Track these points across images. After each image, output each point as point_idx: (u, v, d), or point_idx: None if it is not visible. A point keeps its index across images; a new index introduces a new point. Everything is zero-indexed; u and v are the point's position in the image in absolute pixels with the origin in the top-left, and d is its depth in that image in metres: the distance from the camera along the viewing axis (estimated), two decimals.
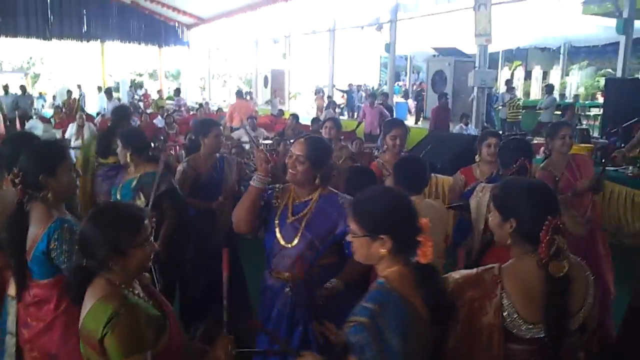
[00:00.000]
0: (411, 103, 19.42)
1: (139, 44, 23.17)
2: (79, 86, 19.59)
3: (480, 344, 1.85)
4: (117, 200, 3.53)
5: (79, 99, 16.93)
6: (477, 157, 3.97)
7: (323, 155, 2.61)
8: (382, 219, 1.75)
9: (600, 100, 16.25)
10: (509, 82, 15.54)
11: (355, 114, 16.80)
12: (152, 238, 1.92)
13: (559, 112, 12.57)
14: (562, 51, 18.89)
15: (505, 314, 1.83)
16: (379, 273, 1.81)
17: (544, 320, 1.80)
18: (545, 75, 20.64)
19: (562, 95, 18.50)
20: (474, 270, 1.97)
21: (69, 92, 16.72)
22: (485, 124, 11.67)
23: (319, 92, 18.63)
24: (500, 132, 12.22)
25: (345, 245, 2.37)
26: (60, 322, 2.35)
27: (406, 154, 3.90)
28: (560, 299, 1.79)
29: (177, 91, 19.87)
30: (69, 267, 2.19)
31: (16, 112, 15.13)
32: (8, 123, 14.50)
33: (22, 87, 16.62)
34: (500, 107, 14.26)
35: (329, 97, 16.48)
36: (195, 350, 2.01)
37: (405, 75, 22.16)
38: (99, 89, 17.06)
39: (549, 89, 13.71)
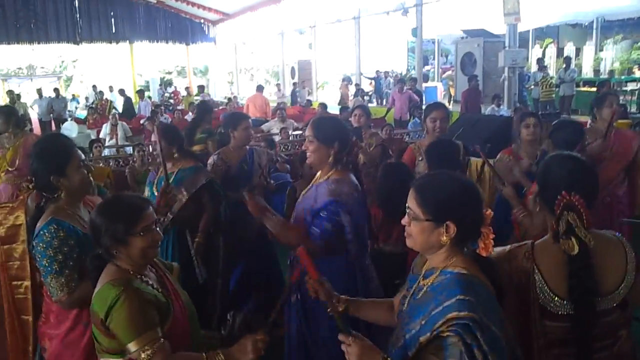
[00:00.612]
0: (440, 87, 19.17)
1: (167, 42, 23.48)
2: (110, 87, 19.93)
3: (517, 320, 1.84)
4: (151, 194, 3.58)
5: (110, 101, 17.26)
6: (517, 139, 3.95)
7: (330, 133, 2.60)
8: (450, 204, 1.64)
9: (637, 74, 15.75)
10: (540, 61, 15.22)
11: (384, 100, 16.68)
12: (157, 227, 1.99)
13: (593, 89, 12.26)
14: (594, 26, 18.33)
15: (537, 289, 1.83)
16: (435, 264, 1.71)
17: (570, 297, 1.80)
18: (578, 52, 20.08)
19: (597, 72, 18.00)
20: (507, 247, 1.96)
21: (101, 93, 17.06)
22: (517, 104, 11.45)
23: (344, 80, 18.55)
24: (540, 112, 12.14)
25: (308, 224, 2.52)
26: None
27: (439, 137, 3.82)
28: (581, 275, 1.77)
29: (201, 88, 20.01)
30: (52, 272, 2.18)
31: (51, 115, 15.51)
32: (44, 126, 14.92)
33: (56, 91, 17.03)
34: (532, 87, 14.00)
35: (356, 84, 16.40)
36: (207, 339, 2.14)
37: (434, 59, 21.85)
38: (121, 91, 17.32)
39: (566, 61, 13.55)
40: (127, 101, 16.52)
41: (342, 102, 15.61)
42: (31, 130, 6.85)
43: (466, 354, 1.47)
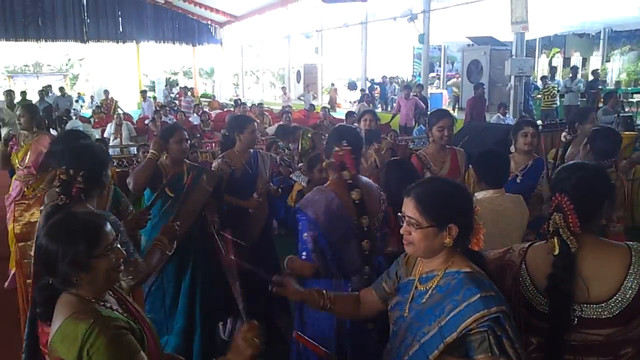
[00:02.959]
0: (445, 94, 19.16)
1: (173, 43, 23.56)
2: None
3: None
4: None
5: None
6: (512, 148, 3.86)
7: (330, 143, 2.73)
8: (450, 207, 1.74)
9: None
10: (553, 71, 15.28)
11: (389, 106, 16.67)
12: (117, 245, 1.73)
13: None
14: (602, 36, 18.33)
15: (521, 282, 1.88)
16: (433, 267, 1.78)
17: (547, 297, 1.80)
18: (584, 61, 20.05)
19: (603, 82, 17.95)
20: (509, 247, 2.03)
21: (106, 92, 17.07)
22: (523, 113, 11.43)
23: (333, 85, 18.51)
24: (540, 122, 12.12)
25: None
26: None
27: (489, 148, 3.64)
28: (558, 276, 1.77)
29: (185, 89, 20.11)
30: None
31: (56, 113, 15.53)
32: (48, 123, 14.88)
33: (61, 89, 17.06)
34: (539, 96, 13.98)
35: (362, 89, 16.38)
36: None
37: (440, 65, 21.84)
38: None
39: (573, 71, 13.55)
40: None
41: (331, 106, 15.73)
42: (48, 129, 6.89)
43: (496, 346, 1.58)
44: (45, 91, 16.69)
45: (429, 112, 12.39)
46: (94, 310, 1.62)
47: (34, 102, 13.72)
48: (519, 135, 3.78)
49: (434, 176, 2.07)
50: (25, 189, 4.94)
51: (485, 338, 1.59)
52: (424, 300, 1.75)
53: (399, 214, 1.83)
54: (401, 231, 1.80)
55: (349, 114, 9.58)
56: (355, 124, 5.34)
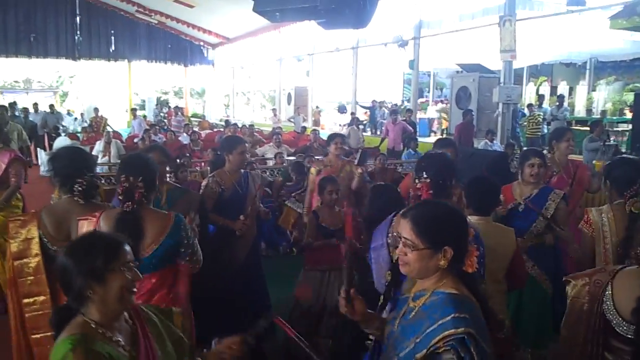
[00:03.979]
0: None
1: (165, 63, 23.66)
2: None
3: (582, 328, 2.11)
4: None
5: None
6: (519, 177, 3.87)
7: None
8: (446, 230, 1.78)
9: (629, 115, 15.95)
10: (542, 99, 15.46)
11: (378, 130, 16.78)
12: (135, 267, 1.77)
13: (585, 128, 12.41)
14: (588, 66, 18.65)
15: (604, 302, 2.02)
16: (426, 286, 1.81)
17: (633, 319, 1.92)
18: (571, 90, 20.36)
19: (589, 111, 18.24)
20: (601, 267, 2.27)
21: (96, 110, 17.05)
22: (510, 140, 11.55)
23: (317, 107, 18.53)
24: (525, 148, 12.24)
25: None
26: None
27: (479, 175, 3.71)
28: None
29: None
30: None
31: (45, 130, 15.47)
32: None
33: (51, 106, 17.02)
34: (525, 124, 14.15)
35: (352, 113, 16.52)
36: None
37: (429, 91, 22.08)
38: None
39: (560, 99, 13.81)
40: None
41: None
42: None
43: None
44: (35, 108, 16.60)
45: (418, 137, 12.55)
46: (83, 337, 1.63)
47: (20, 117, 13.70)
48: (526, 165, 3.75)
49: (429, 200, 2.09)
50: None
51: (451, 358, 1.62)
52: (411, 317, 1.80)
53: (394, 234, 1.87)
54: (397, 252, 1.83)
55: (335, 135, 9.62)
56: (328, 148, 5.42)
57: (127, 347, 1.73)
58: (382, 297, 2.06)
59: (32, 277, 2.83)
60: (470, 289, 1.80)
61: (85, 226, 2.74)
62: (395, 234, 1.86)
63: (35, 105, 16.67)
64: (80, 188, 2.78)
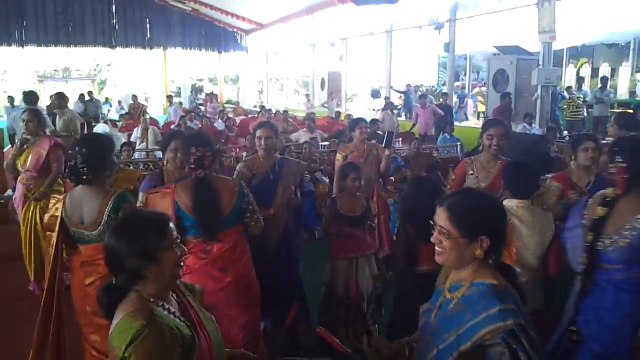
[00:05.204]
0: (471, 103, 19.01)
1: (200, 50, 23.80)
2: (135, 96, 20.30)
3: None
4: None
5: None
6: (572, 163, 3.81)
7: None
8: (483, 219, 1.76)
9: None
10: (581, 81, 15.07)
11: (413, 114, 16.61)
12: (179, 241, 1.84)
13: (628, 111, 12.01)
14: (632, 47, 17.99)
15: None
16: (462, 277, 1.79)
17: None
18: (613, 72, 19.70)
19: (632, 93, 17.64)
20: None
21: (134, 97, 17.30)
22: (549, 124, 11.27)
23: (361, 93, 18.47)
24: (565, 132, 11.93)
25: None
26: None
27: (519, 159, 3.66)
28: None
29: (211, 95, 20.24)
30: None
31: (84, 118, 15.82)
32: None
33: (90, 93, 17.39)
34: (564, 107, 13.79)
35: (386, 98, 16.37)
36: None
37: (465, 75, 21.69)
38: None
39: (603, 81, 13.36)
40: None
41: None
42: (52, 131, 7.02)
43: (511, 359, 1.59)
44: (84, 95, 16.91)
45: (455, 121, 12.36)
46: (151, 311, 1.68)
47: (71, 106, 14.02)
48: (580, 150, 3.71)
49: (467, 187, 2.06)
50: (27, 192, 5.05)
51: (500, 352, 1.60)
52: (450, 308, 1.78)
53: (431, 221, 1.84)
54: (432, 239, 1.82)
55: (373, 121, 9.56)
56: (353, 133, 5.38)
57: (181, 318, 1.80)
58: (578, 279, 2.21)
59: (50, 249, 3.05)
60: (508, 279, 1.78)
61: (159, 198, 3.05)
62: (434, 223, 1.84)
63: (82, 95, 16.94)
64: (66, 170, 2.96)
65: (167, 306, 1.77)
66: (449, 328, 1.72)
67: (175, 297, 1.89)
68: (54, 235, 3.01)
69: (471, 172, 3.81)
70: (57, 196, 3.21)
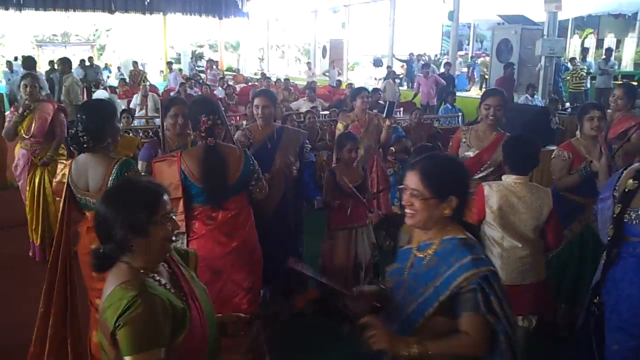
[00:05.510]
0: (466, 71, 18.85)
1: (200, 16, 23.36)
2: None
3: None
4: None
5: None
6: (577, 133, 3.78)
7: None
8: (452, 180, 1.88)
9: None
10: (585, 52, 14.93)
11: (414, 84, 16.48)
12: (173, 215, 1.77)
13: (633, 83, 11.89)
14: (638, 17, 17.70)
15: None
16: (430, 236, 1.90)
17: None
18: (618, 43, 19.43)
19: (638, 65, 17.45)
20: None
21: (135, 64, 17.12)
22: (553, 95, 11.18)
23: (363, 61, 18.28)
24: (568, 104, 11.85)
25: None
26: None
27: (519, 133, 3.56)
28: None
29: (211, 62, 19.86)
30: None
31: (83, 84, 15.68)
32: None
33: (90, 59, 17.19)
34: (568, 78, 13.66)
35: (388, 67, 16.20)
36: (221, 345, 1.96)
37: (468, 44, 21.42)
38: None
39: (607, 52, 13.32)
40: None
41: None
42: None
43: (483, 303, 1.74)
44: (84, 61, 16.66)
45: (457, 91, 12.26)
46: (142, 283, 1.64)
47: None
48: (585, 119, 3.66)
49: (436, 152, 2.16)
50: (33, 158, 5.06)
51: (473, 297, 1.75)
52: (422, 265, 1.89)
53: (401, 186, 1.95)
54: (403, 202, 1.92)
55: (375, 90, 9.48)
56: (354, 102, 5.32)
57: (172, 290, 1.76)
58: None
59: (59, 214, 3.07)
60: (475, 236, 1.93)
61: (164, 166, 3.04)
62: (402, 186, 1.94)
63: (82, 61, 16.71)
64: (68, 138, 2.95)
65: (157, 278, 1.73)
66: (424, 282, 1.84)
67: (167, 268, 1.84)
68: (61, 201, 3.02)
69: (464, 140, 3.80)
70: (64, 161, 3.20)
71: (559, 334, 3.75)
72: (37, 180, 5.00)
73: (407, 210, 1.90)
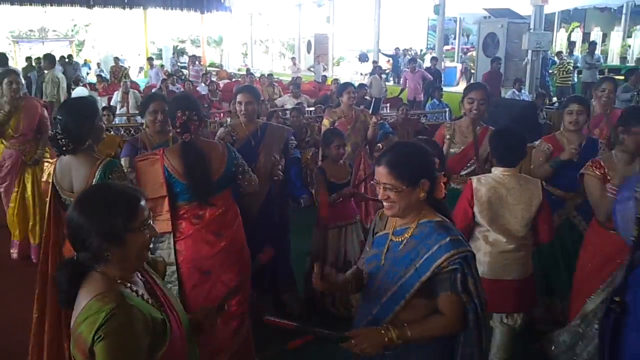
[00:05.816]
0: (460, 67, 18.75)
1: (181, 10, 22.87)
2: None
3: None
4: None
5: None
6: (562, 127, 3.76)
7: None
8: (419, 166, 1.94)
9: None
10: (572, 46, 14.92)
11: (401, 79, 16.34)
12: (151, 221, 1.67)
13: (619, 77, 11.85)
14: (624, 11, 17.78)
15: None
16: (406, 221, 1.97)
17: None
18: (604, 37, 19.48)
19: (624, 59, 17.50)
20: None
21: (116, 59, 16.76)
22: (540, 90, 11.10)
23: (349, 56, 18.12)
24: (555, 99, 11.77)
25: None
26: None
27: (506, 126, 3.64)
28: None
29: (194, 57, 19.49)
30: None
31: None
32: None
33: (69, 56, 16.83)
34: (555, 72, 13.62)
35: (374, 62, 16.04)
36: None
37: (455, 38, 21.30)
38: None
39: (591, 46, 13.35)
40: None
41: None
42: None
43: (461, 283, 1.84)
44: (64, 57, 16.28)
45: (444, 87, 12.14)
46: (119, 294, 1.55)
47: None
48: (565, 113, 3.67)
49: (396, 142, 2.42)
50: (24, 157, 4.99)
51: (450, 277, 1.85)
52: (400, 248, 1.96)
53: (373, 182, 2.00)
54: (380, 197, 1.96)
55: (361, 85, 9.30)
56: (341, 98, 5.24)
57: (150, 300, 1.68)
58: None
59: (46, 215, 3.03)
60: (445, 215, 2.01)
61: (147, 165, 2.99)
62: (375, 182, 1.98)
63: (62, 57, 16.33)
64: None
65: (134, 288, 1.64)
66: (404, 265, 1.92)
67: (140, 277, 1.75)
68: (48, 201, 2.97)
69: (448, 136, 3.80)
70: (50, 160, 3.07)
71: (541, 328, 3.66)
72: (30, 180, 4.95)
73: (385, 204, 1.96)
